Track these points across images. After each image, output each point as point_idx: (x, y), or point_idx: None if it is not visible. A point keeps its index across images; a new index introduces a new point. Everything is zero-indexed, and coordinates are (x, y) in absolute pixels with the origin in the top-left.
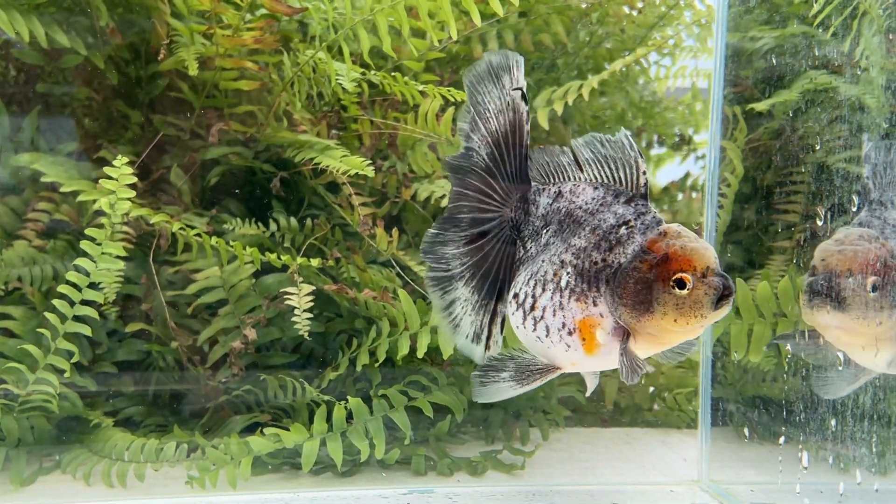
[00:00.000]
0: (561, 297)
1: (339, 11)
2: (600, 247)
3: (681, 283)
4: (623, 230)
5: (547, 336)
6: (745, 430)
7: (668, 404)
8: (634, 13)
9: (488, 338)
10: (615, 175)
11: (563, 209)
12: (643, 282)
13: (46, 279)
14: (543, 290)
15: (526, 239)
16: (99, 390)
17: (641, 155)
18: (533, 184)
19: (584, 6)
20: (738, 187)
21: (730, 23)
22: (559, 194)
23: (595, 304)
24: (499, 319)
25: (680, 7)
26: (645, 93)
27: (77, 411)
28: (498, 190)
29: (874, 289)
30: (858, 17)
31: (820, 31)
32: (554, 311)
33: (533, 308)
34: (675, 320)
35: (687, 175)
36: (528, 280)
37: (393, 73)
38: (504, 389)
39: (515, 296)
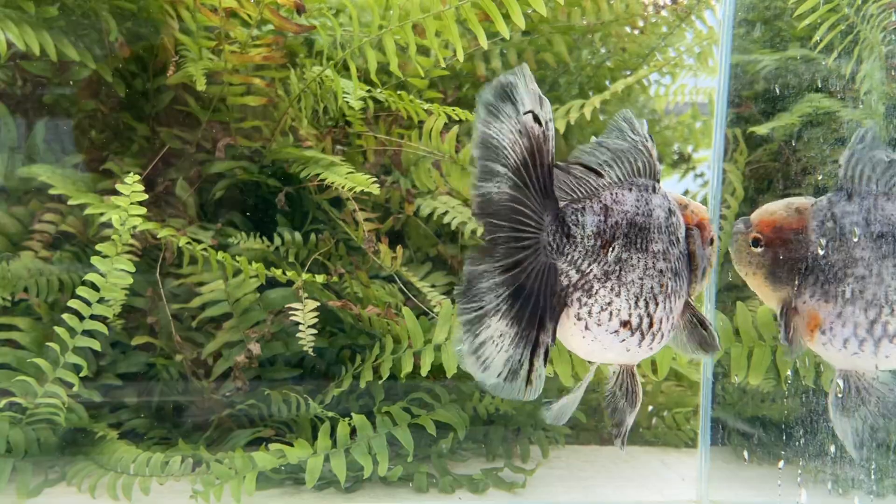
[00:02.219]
0: (670, 302)
1: (346, 28)
2: (672, 242)
3: (712, 240)
4: (674, 219)
5: (660, 343)
6: (745, 452)
7: (666, 423)
8: (636, 32)
9: (529, 371)
10: (635, 167)
11: (623, 221)
12: (702, 255)
13: (53, 290)
14: (656, 304)
15: (579, 262)
16: (103, 402)
17: (650, 137)
18: (561, 203)
19: (584, 22)
20: (738, 209)
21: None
22: (607, 209)
23: (686, 293)
24: (542, 350)
25: (682, 28)
26: (645, 111)
27: (83, 423)
28: (530, 215)
29: (755, 243)
30: (860, 43)
31: (821, 55)
32: (667, 317)
33: (651, 325)
34: (711, 272)
35: (685, 193)
36: (636, 303)
37: (398, 92)
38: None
39: (625, 324)
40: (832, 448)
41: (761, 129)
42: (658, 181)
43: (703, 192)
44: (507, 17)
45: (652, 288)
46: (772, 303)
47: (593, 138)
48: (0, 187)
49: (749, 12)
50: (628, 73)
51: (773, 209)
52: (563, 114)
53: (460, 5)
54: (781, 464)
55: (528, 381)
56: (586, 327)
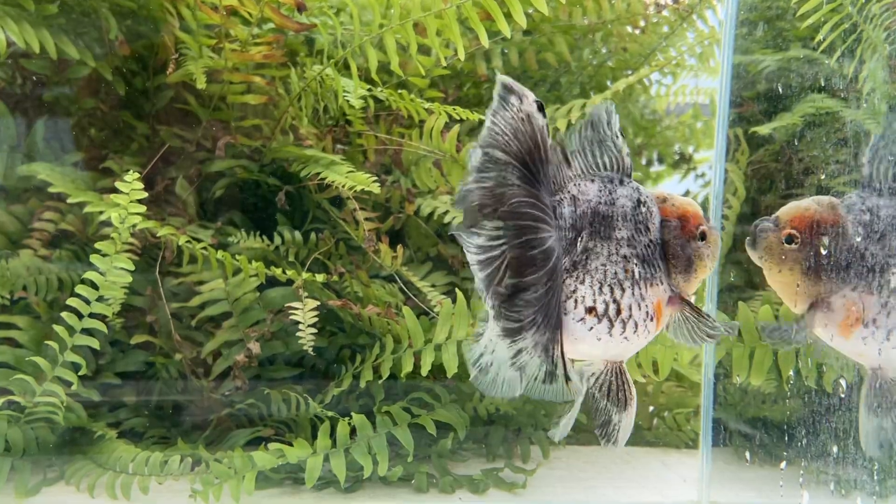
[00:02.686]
0: (639, 288)
1: (347, 27)
2: (640, 230)
3: (703, 235)
4: (643, 209)
5: (634, 332)
6: (746, 453)
7: (667, 424)
8: (637, 32)
9: (565, 369)
10: (600, 161)
11: (588, 211)
12: (682, 245)
13: (52, 289)
14: (623, 289)
15: (561, 255)
16: (102, 401)
17: (621, 134)
18: None
19: (585, 22)
20: (740, 210)
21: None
22: (575, 199)
23: (661, 282)
24: (562, 348)
25: (683, 28)
26: (646, 111)
27: (81, 422)
28: (548, 211)
29: (790, 240)
30: (862, 43)
31: (823, 55)
32: (638, 304)
33: (619, 311)
34: (707, 266)
35: (686, 193)
36: (600, 289)
37: (399, 91)
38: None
39: (590, 310)
40: (835, 449)
41: (763, 130)
42: (628, 176)
43: (704, 192)
44: (508, 16)
45: (616, 273)
46: (799, 299)
47: (580, 122)
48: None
49: (751, 12)
50: (629, 72)
51: (806, 205)
52: (565, 113)
53: (462, 4)
54: (784, 465)
55: (567, 378)
56: None
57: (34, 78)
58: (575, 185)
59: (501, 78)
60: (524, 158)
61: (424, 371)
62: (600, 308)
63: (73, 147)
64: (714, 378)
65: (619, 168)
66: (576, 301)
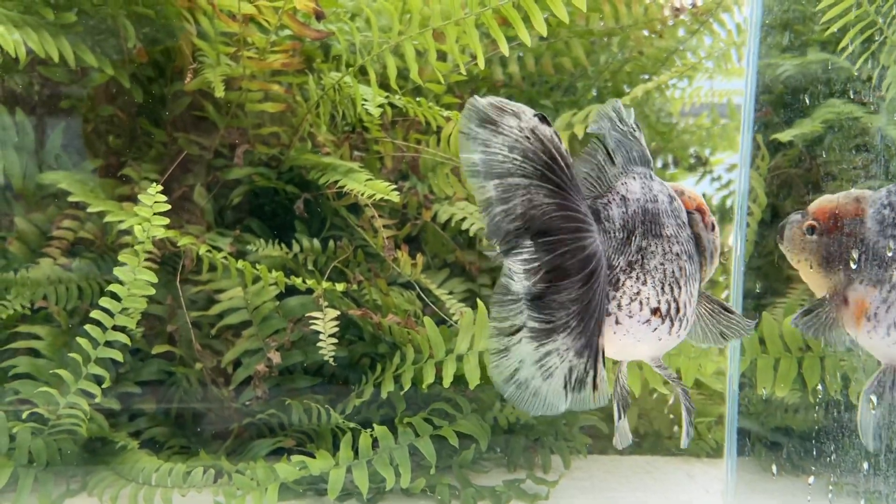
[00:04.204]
0: (690, 285)
1: (365, 34)
2: (680, 225)
3: (713, 226)
4: (676, 203)
5: (685, 328)
6: (773, 464)
7: None
8: (655, 36)
9: (595, 377)
10: (632, 156)
11: (638, 210)
12: (707, 238)
13: (72, 298)
14: (679, 287)
15: (611, 257)
16: (122, 410)
17: (638, 126)
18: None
19: (602, 26)
20: (761, 216)
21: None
22: (624, 199)
23: (699, 277)
24: (602, 355)
25: (701, 31)
26: (661, 113)
27: (103, 433)
28: (582, 218)
29: (810, 231)
30: (886, 50)
31: (845, 60)
32: (689, 301)
33: (678, 310)
34: (717, 257)
35: (703, 196)
36: (662, 289)
37: (417, 99)
38: None
39: (655, 311)
40: (865, 464)
41: (784, 136)
42: (652, 168)
43: (720, 195)
44: (526, 20)
45: (673, 272)
46: (819, 290)
47: (591, 127)
48: (18, 193)
49: (769, 16)
50: (646, 77)
51: (831, 198)
52: (582, 118)
53: (481, 12)
54: (811, 479)
55: (595, 386)
56: (617, 321)
57: (53, 85)
58: (622, 184)
59: (487, 101)
60: (545, 174)
61: (447, 383)
62: (664, 308)
63: (91, 154)
64: (738, 388)
65: (647, 162)
66: (640, 303)
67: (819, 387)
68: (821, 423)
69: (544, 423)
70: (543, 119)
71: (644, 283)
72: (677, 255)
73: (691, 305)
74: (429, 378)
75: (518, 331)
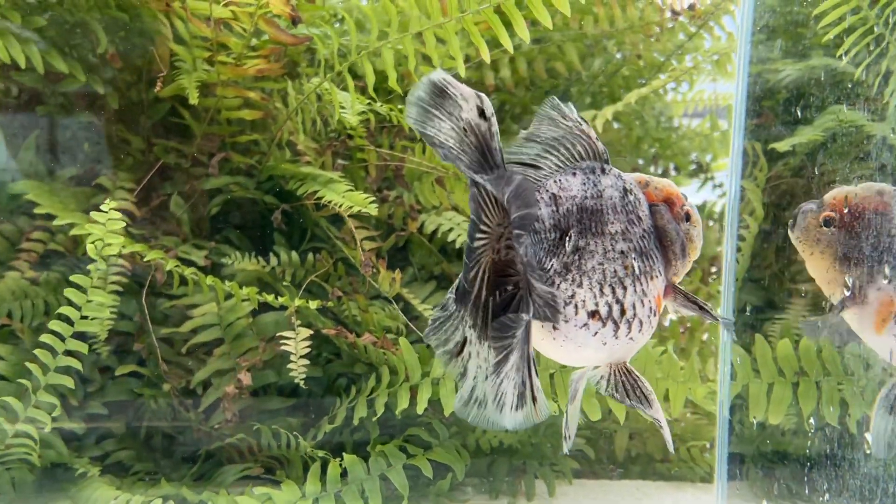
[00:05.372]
0: (641, 284)
1: (346, 38)
2: (632, 220)
3: (688, 216)
4: (631, 197)
5: (640, 330)
6: (764, 489)
7: (681, 455)
8: (652, 40)
9: (532, 389)
10: (575, 152)
11: (573, 208)
12: (675, 230)
13: (38, 314)
14: (625, 288)
15: (542, 260)
16: (89, 430)
17: (584, 120)
18: None
19: (597, 30)
20: (757, 230)
21: (752, 55)
22: (555, 197)
23: (659, 274)
24: (534, 364)
25: (699, 35)
26: (662, 118)
27: (62, 459)
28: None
29: (827, 223)
30: (888, 54)
31: (846, 65)
32: (641, 301)
33: (623, 312)
34: (697, 249)
35: (704, 204)
36: (601, 290)
37: (400, 107)
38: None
39: (593, 314)
40: (864, 488)
41: (782, 146)
42: (606, 162)
43: (721, 202)
44: (509, 26)
45: (615, 272)
46: (832, 287)
47: (521, 132)
48: None
49: (768, 19)
50: (643, 81)
51: (849, 189)
52: None
53: (462, 17)
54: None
55: (534, 399)
56: (554, 327)
57: (27, 92)
58: (555, 181)
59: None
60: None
61: (420, 409)
62: (603, 311)
63: (66, 162)
64: (729, 413)
65: (596, 156)
66: (576, 306)
67: (812, 416)
68: (816, 449)
69: (528, 447)
70: (481, 113)
71: (580, 285)
72: (622, 252)
73: (645, 305)
74: (403, 403)
75: (464, 345)
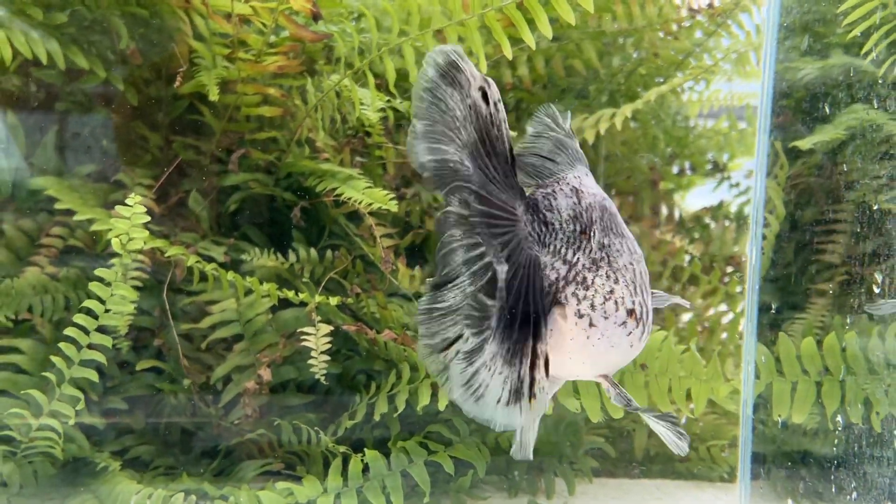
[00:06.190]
0: (651, 289)
1: (366, 35)
2: (626, 224)
3: None
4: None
5: (641, 340)
6: (788, 488)
7: (700, 455)
8: (670, 38)
9: (531, 386)
10: (575, 156)
11: (595, 204)
12: None
13: (58, 309)
14: (645, 290)
15: (563, 251)
16: (108, 425)
17: (572, 133)
18: (528, 189)
19: (615, 27)
20: (778, 229)
21: (778, 53)
22: (578, 191)
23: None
24: (541, 361)
25: (718, 33)
26: (678, 117)
27: (83, 453)
28: (502, 206)
29: None
30: None
31: (867, 62)
32: (651, 311)
33: (646, 314)
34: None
35: (721, 203)
36: (634, 291)
37: None
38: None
39: (630, 313)
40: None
41: (804, 144)
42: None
43: (738, 202)
44: (531, 22)
45: (641, 274)
46: None
47: (529, 129)
48: (9, 199)
49: (788, 17)
50: (661, 79)
51: None
52: (593, 123)
53: (484, 13)
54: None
55: (531, 396)
56: (591, 324)
57: (47, 87)
58: (575, 176)
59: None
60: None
61: (442, 405)
62: (637, 310)
63: (85, 159)
64: (753, 412)
65: (585, 166)
66: (615, 303)
67: (839, 414)
68: (841, 448)
69: (548, 445)
70: (484, 96)
71: (616, 281)
72: (641, 258)
73: (651, 316)
74: (424, 399)
75: (452, 344)
